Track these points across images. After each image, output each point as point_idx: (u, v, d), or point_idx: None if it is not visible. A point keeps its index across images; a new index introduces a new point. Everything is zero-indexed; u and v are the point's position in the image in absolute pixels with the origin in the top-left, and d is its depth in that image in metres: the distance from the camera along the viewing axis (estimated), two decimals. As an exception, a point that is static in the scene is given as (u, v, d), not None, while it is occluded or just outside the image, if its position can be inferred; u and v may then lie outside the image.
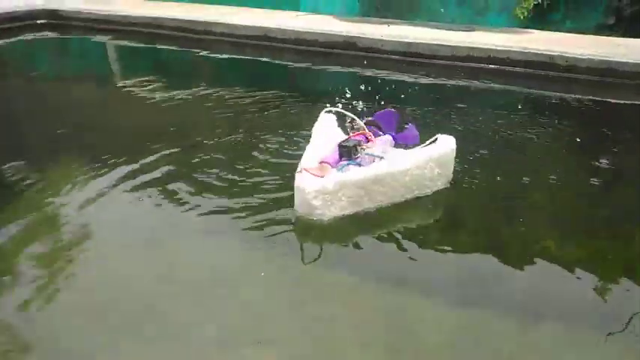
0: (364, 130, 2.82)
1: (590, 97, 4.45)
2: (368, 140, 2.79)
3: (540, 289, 2.08)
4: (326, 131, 2.90)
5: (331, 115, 3.01)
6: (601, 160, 3.20)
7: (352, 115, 2.89)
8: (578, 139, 3.57)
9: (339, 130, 2.96)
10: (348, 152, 2.65)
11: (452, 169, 2.77)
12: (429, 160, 2.63)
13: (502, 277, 2.16)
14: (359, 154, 2.66)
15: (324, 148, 2.71)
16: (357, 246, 2.34)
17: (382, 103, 3.38)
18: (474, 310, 1.95)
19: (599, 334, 1.84)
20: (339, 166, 2.59)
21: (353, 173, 2.51)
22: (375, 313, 1.93)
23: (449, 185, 2.74)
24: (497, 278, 2.15)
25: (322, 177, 2.47)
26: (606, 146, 3.48)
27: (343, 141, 2.70)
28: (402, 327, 1.87)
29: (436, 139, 2.74)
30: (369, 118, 2.94)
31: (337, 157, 2.66)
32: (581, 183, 2.97)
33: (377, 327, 1.86)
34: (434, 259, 2.28)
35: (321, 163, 2.58)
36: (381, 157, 2.60)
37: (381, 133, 2.89)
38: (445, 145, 2.72)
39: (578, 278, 2.14)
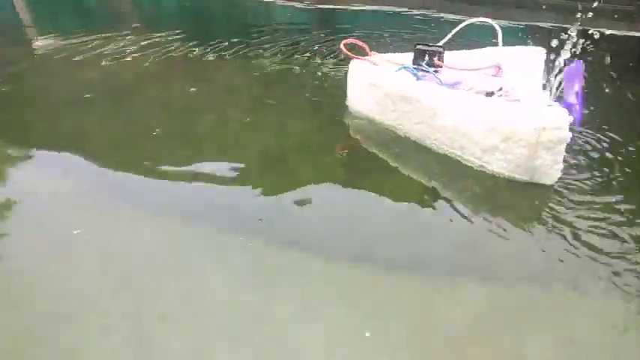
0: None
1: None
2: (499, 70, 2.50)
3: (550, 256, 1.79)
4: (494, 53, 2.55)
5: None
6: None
7: (497, 28, 2.65)
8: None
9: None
10: (417, 56, 2.52)
11: (548, 162, 1.76)
12: (486, 118, 1.82)
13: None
14: (422, 65, 2.49)
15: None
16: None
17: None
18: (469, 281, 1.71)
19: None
20: (399, 68, 2.50)
21: (391, 78, 2.37)
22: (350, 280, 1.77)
23: (528, 181, 1.91)
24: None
25: (370, 62, 2.53)
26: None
27: (422, 44, 2.54)
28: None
29: (543, 99, 1.96)
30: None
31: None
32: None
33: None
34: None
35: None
36: (441, 83, 2.31)
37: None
38: (537, 117, 1.72)
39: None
